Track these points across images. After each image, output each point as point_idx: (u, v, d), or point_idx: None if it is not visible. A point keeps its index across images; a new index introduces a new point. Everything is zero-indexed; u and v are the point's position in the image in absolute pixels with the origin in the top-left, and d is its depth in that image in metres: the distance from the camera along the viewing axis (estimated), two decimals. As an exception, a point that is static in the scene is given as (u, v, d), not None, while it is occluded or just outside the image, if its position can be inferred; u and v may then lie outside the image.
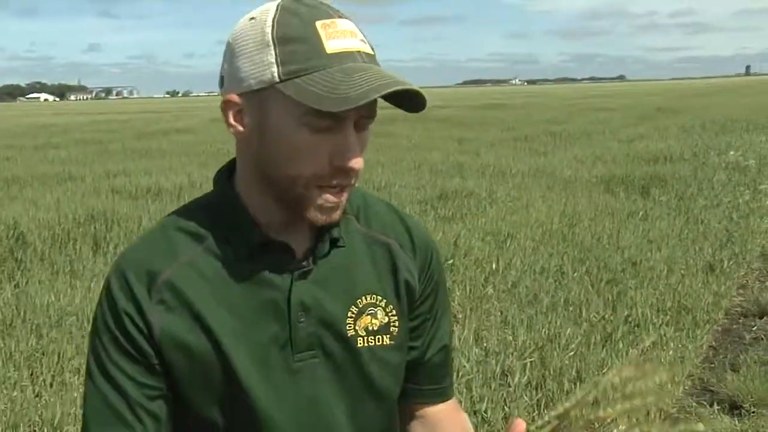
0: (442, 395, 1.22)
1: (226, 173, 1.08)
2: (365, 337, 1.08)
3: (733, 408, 3.69)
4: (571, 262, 5.94)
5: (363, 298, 1.09)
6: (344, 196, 1.02)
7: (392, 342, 1.10)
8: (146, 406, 1.02)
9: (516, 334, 4.42)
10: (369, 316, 1.08)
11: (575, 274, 5.64)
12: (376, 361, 1.09)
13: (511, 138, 17.70)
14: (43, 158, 16.01)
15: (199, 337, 1.02)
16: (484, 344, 4.31)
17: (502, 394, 3.68)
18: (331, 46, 0.94)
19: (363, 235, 1.11)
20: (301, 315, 1.04)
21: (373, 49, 0.99)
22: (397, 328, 1.11)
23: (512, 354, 4.11)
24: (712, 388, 3.97)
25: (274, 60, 0.94)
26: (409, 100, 0.97)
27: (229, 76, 1.00)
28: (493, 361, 4.02)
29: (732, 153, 12.24)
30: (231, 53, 0.99)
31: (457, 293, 5.28)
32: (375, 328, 1.09)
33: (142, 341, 1.01)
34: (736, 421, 3.53)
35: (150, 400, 1.02)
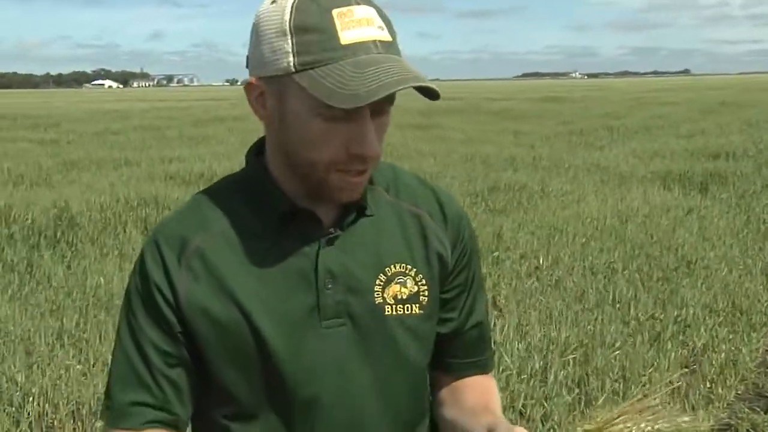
0: (483, 367, 1.22)
1: (255, 151, 1.11)
2: (393, 306, 1.08)
3: None
4: (622, 259, 5.78)
5: (392, 266, 1.08)
6: (365, 177, 1.03)
7: (422, 311, 1.10)
8: (166, 373, 1.05)
9: (560, 330, 4.31)
10: (398, 285, 1.08)
11: (625, 272, 5.48)
12: (405, 330, 1.09)
13: (567, 132, 17.39)
14: (103, 143, 16.41)
15: (226, 305, 1.03)
16: (527, 340, 4.21)
17: (543, 391, 3.59)
18: (346, 36, 0.95)
19: (392, 205, 1.12)
20: (328, 282, 1.05)
21: (392, 35, 0.99)
22: (426, 298, 1.10)
23: (554, 351, 4.01)
24: (766, 394, 3.80)
25: (290, 49, 0.96)
26: (424, 91, 0.98)
27: (252, 59, 1.02)
28: (536, 357, 3.92)
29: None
30: (255, 36, 1.01)
31: (503, 287, 5.19)
32: (404, 297, 1.08)
33: (168, 311, 1.04)
34: None
35: (170, 368, 1.05)
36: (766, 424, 3.42)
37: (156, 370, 1.04)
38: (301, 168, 1.02)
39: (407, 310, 1.09)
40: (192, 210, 1.09)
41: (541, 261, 5.77)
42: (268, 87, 1.00)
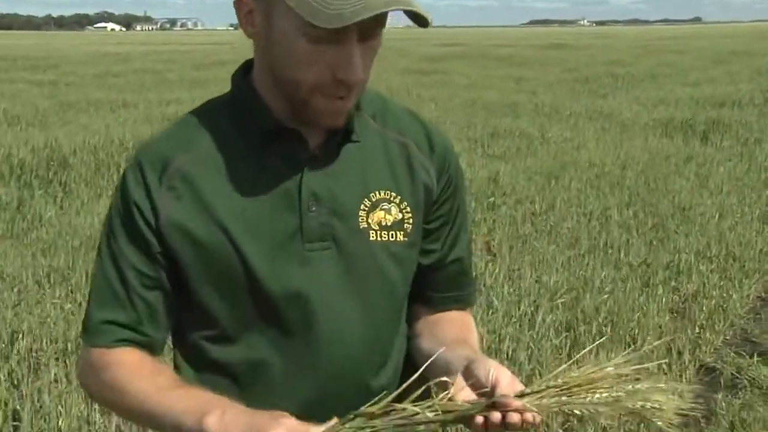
0: (464, 302, 1.22)
1: (242, 72, 1.09)
2: (378, 232, 1.08)
3: None
4: (618, 206, 5.73)
5: (376, 192, 1.08)
6: (349, 102, 1.02)
7: (406, 239, 1.10)
8: (143, 294, 1.05)
9: (551, 275, 4.30)
10: (382, 211, 1.08)
11: (620, 218, 5.44)
12: (389, 257, 1.09)
13: (571, 79, 17.16)
14: (101, 85, 16.25)
15: (208, 225, 1.03)
16: (518, 284, 4.20)
17: (531, 334, 3.58)
18: None
19: (379, 133, 1.11)
20: (312, 204, 1.04)
21: None
22: (411, 226, 1.10)
23: (544, 295, 4.00)
24: (754, 339, 3.82)
25: None
26: (412, 16, 0.96)
27: None
28: (525, 301, 3.91)
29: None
30: None
31: (497, 232, 5.16)
32: (388, 224, 1.08)
33: (148, 232, 1.03)
34: None
35: (147, 289, 1.05)
36: (750, 367, 3.43)
37: (132, 291, 1.04)
38: (285, 87, 1.01)
39: (391, 237, 1.08)
40: (176, 130, 1.09)
41: (536, 207, 5.73)
42: (256, 4, 0.99)
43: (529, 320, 3.73)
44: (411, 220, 1.10)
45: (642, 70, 19.43)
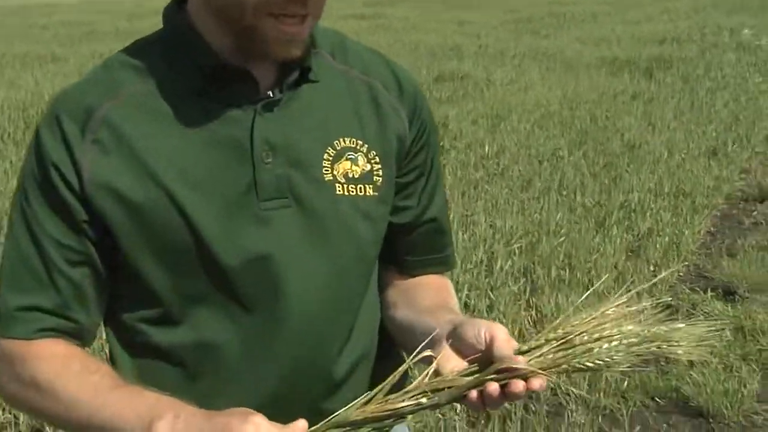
0: (443, 265, 1.09)
1: (175, 5, 0.93)
2: (345, 185, 0.93)
3: (728, 294, 3.59)
4: (568, 146, 5.69)
5: (341, 140, 0.94)
6: (305, 29, 0.87)
7: (376, 194, 0.96)
8: (67, 272, 0.89)
9: (505, 219, 4.23)
10: (348, 161, 0.94)
11: (571, 158, 5.40)
12: (358, 214, 0.95)
13: (514, 20, 17.01)
14: (27, 38, 15.45)
15: (142, 182, 0.87)
16: (472, 230, 4.12)
17: (488, 282, 3.52)
18: None
19: (340, 72, 0.97)
20: (266, 154, 0.89)
21: None
22: (380, 178, 0.96)
23: (500, 240, 3.94)
24: (707, 275, 3.86)
25: None
26: None
27: None
28: (481, 247, 3.84)
29: (746, 31, 11.69)
30: None
31: (448, 178, 5.06)
32: (356, 176, 0.94)
33: (70, 196, 0.87)
34: (729, 308, 3.43)
35: (72, 266, 0.89)
36: (704, 303, 3.46)
37: (55, 269, 0.88)
38: (227, 13, 0.85)
39: (360, 191, 0.94)
40: (99, 75, 0.92)
41: (486, 150, 5.65)
42: None
43: (486, 267, 3.68)
44: (380, 172, 0.95)
45: (582, 9, 19.38)
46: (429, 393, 0.79)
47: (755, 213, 4.69)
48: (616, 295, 0.82)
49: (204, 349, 0.92)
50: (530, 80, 8.58)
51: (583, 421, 2.54)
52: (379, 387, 0.79)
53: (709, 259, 4.02)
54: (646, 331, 0.79)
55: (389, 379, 0.81)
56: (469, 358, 0.83)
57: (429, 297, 1.02)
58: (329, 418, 0.78)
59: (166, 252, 0.89)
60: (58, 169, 0.87)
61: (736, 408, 2.68)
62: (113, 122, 0.87)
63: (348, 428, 0.78)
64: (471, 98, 7.72)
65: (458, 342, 0.85)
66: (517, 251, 3.80)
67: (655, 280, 3.34)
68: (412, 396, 0.79)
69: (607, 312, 0.80)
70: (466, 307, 3.33)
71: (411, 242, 1.05)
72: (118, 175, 0.87)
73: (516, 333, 3.10)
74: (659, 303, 0.80)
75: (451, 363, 0.83)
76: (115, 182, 0.87)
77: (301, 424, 0.76)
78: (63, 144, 0.87)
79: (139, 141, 0.87)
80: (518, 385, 0.78)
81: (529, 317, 3.27)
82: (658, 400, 2.76)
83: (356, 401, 0.80)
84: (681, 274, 3.86)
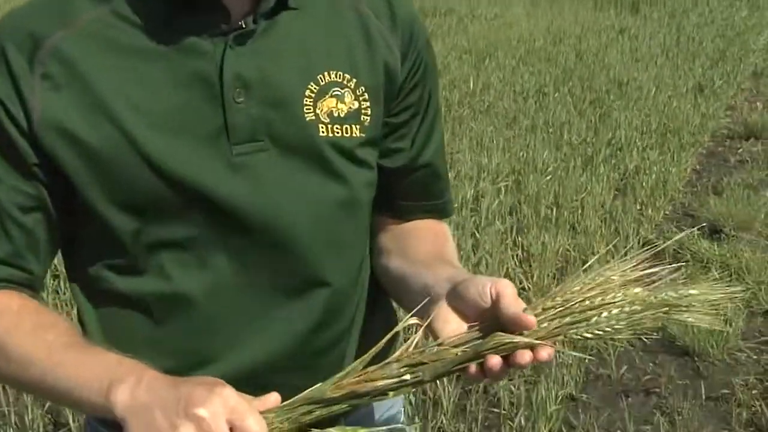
0: (440, 212, 0.99)
1: None
2: (329, 126, 0.83)
3: (714, 232, 3.59)
4: (554, 82, 5.60)
5: (325, 74, 0.84)
6: None
7: (363, 135, 0.86)
8: (18, 218, 0.81)
9: (491, 157, 4.17)
10: (334, 99, 0.84)
11: (557, 95, 5.32)
12: (344, 158, 0.85)
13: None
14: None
15: (98, 121, 0.78)
16: (458, 168, 4.06)
17: (475, 221, 3.47)
18: None
19: None
20: (239, 92, 0.80)
21: None
22: (369, 117, 0.86)
23: (486, 179, 3.88)
24: (693, 213, 3.85)
25: None
26: None
27: None
28: (467, 185, 3.78)
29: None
30: None
31: (432, 115, 4.97)
32: (341, 115, 0.84)
33: (17, 135, 0.78)
34: (716, 246, 3.41)
35: (24, 212, 0.81)
36: (691, 241, 3.44)
37: (5, 215, 0.80)
38: None
39: (346, 132, 0.84)
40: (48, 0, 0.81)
41: (471, 86, 5.54)
42: None
43: (472, 206, 3.62)
44: (369, 111, 0.86)
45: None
46: (413, 368, 0.71)
47: (741, 150, 4.66)
48: (619, 257, 0.75)
49: (172, 299, 0.84)
50: (515, 15, 8.41)
51: (570, 362, 2.52)
52: (360, 359, 0.71)
53: (695, 198, 4.01)
54: (653, 298, 0.71)
55: (371, 350, 0.72)
56: (471, 324, 0.74)
57: (425, 246, 0.93)
58: (304, 393, 0.71)
59: (127, 198, 0.80)
60: (4, 105, 0.78)
61: (722, 346, 2.68)
62: (66, 54, 0.78)
63: (322, 405, 0.71)
64: (455, 33, 7.55)
65: (458, 301, 0.76)
66: (503, 190, 3.75)
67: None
68: (396, 370, 0.71)
69: (612, 277, 0.72)
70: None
71: (404, 188, 0.96)
72: (71, 114, 0.78)
73: (503, 273, 3.07)
74: (668, 266, 0.72)
75: (450, 326, 0.75)
76: (67, 123, 0.78)
77: (273, 397, 0.70)
78: (8, 78, 0.77)
79: (94, 76, 0.78)
80: (524, 356, 0.70)
81: (515, 257, 3.23)
82: (644, 339, 2.75)
83: (337, 376, 0.72)
84: (667, 212, 3.84)
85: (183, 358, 0.81)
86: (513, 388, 2.40)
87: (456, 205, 3.58)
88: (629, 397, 2.45)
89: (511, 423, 2.23)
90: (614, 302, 0.71)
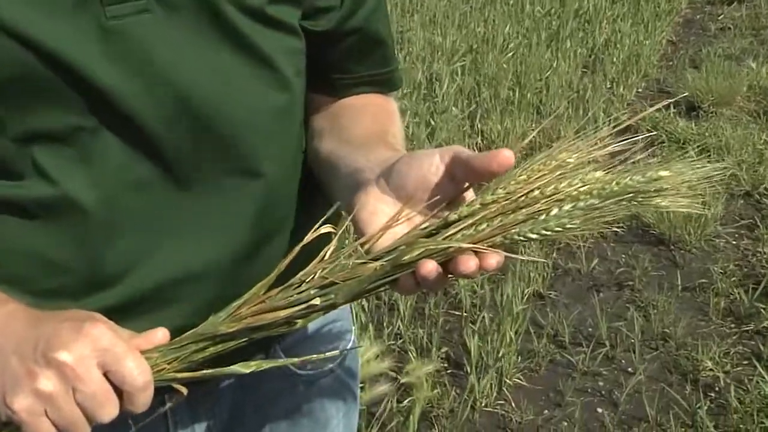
0: (384, 84, 0.88)
1: None
2: None
3: (691, 110, 3.40)
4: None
5: None
6: None
7: None
8: None
9: (445, 35, 3.90)
10: None
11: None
12: (252, 18, 0.71)
13: None
14: None
15: None
16: (409, 48, 3.79)
17: (429, 106, 3.24)
18: None
19: None
20: None
21: None
22: None
23: (440, 59, 3.63)
24: (669, 89, 3.70)
25: None
26: None
27: None
28: (419, 67, 3.53)
29: None
30: None
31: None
32: None
33: None
34: (693, 124, 3.24)
35: None
36: (666, 120, 3.20)
37: None
38: None
39: None
40: None
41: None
42: None
43: (426, 90, 3.38)
44: None
45: None
46: (324, 289, 0.62)
47: (722, 17, 4.38)
48: (575, 132, 0.64)
49: (57, 204, 0.72)
50: None
51: (536, 256, 2.35)
52: (261, 283, 0.64)
53: (670, 72, 3.84)
54: (614, 184, 0.60)
55: (275, 272, 0.64)
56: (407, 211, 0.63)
57: (363, 124, 0.82)
58: (195, 329, 0.65)
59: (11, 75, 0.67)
60: None
61: (699, 233, 2.53)
62: None
63: (216, 341, 0.64)
64: None
65: (396, 182, 0.65)
66: (459, 71, 3.51)
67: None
68: (304, 293, 0.62)
69: (567, 160, 0.61)
70: (405, 137, 3.02)
71: (338, 56, 0.84)
72: None
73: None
74: (617, 125, 0.60)
75: (379, 217, 0.63)
76: None
77: (161, 333, 0.65)
78: None
79: None
80: (468, 263, 0.59)
81: (475, 144, 3.02)
82: (616, 229, 2.55)
83: (233, 304, 0.65)
84: (640, 90, 3.65)
85: (76, 276, 0.72)
86: (476, 287, 2.25)
87: (408, 90, 3.31)
88: (601, 292, 2.31)
89: (473, 326, 2.07)
90: (569, 191, 0.61)
